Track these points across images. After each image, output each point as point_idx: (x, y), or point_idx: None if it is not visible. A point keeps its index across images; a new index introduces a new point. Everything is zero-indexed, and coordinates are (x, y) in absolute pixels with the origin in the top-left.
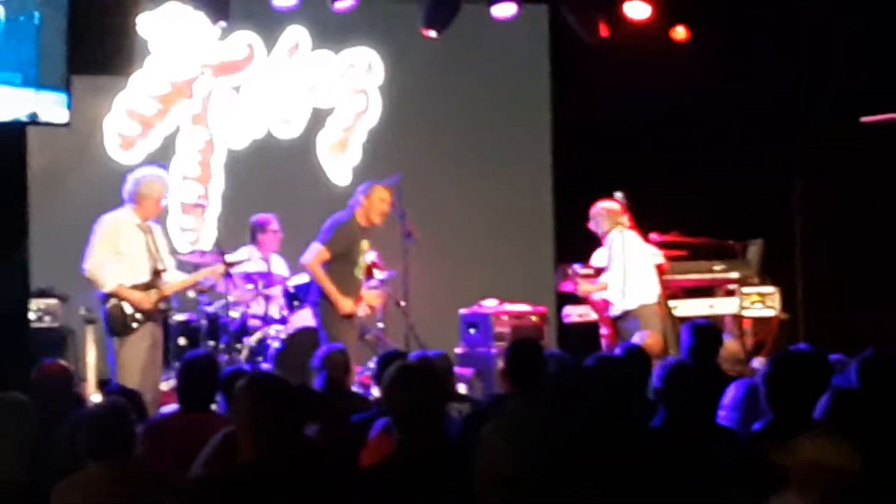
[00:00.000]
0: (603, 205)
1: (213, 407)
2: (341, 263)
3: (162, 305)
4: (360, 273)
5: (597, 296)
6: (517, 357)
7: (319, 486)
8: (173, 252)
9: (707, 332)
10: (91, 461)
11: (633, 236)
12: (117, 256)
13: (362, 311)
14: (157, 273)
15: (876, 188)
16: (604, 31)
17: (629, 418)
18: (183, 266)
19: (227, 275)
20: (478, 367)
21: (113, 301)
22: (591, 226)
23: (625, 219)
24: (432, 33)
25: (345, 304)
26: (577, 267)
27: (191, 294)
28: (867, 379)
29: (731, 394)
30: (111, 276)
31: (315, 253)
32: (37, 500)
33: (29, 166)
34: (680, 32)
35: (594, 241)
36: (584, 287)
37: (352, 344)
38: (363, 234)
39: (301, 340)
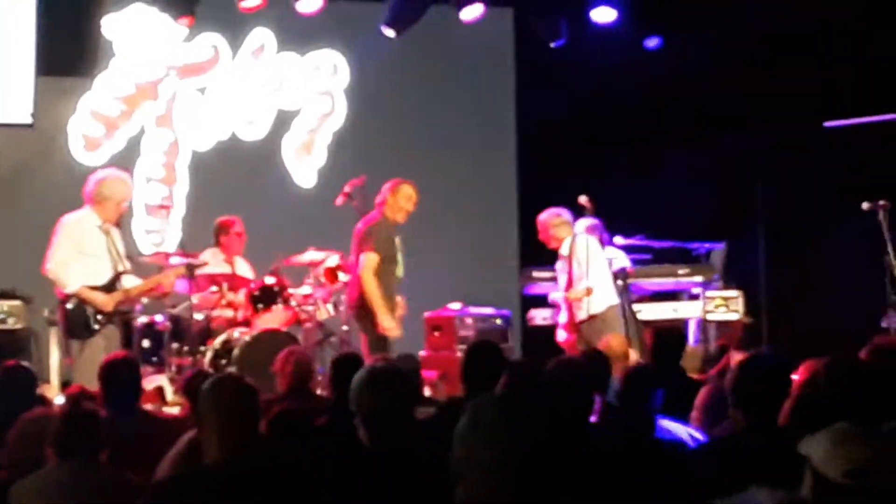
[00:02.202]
0: (551, 214)
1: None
2: (386, 265)
3: (123, 308)
4: (399, 270)
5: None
6: (474, 360)
7: (284, 486)
8: (136, 254)
9: (669, 335)
10: (56, 461)
11: (594, 239)
12: (80, 257)
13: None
14: (118, 275)
15: (838, 192)
16: (564, 36)
17: (588, 421)
18: (147, 268)
19: (190, 277)
20: (442, 370)
21: (74, 302)
22: (546, 236)
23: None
24: (390, 33)
25: (387, 321)
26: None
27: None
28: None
29: (702, 395)
30: (74, 277)
31: (368, 262)
32: None
33: None
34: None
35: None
36: (573, 293)
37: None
38: (395, 232)
39: (264, 343)
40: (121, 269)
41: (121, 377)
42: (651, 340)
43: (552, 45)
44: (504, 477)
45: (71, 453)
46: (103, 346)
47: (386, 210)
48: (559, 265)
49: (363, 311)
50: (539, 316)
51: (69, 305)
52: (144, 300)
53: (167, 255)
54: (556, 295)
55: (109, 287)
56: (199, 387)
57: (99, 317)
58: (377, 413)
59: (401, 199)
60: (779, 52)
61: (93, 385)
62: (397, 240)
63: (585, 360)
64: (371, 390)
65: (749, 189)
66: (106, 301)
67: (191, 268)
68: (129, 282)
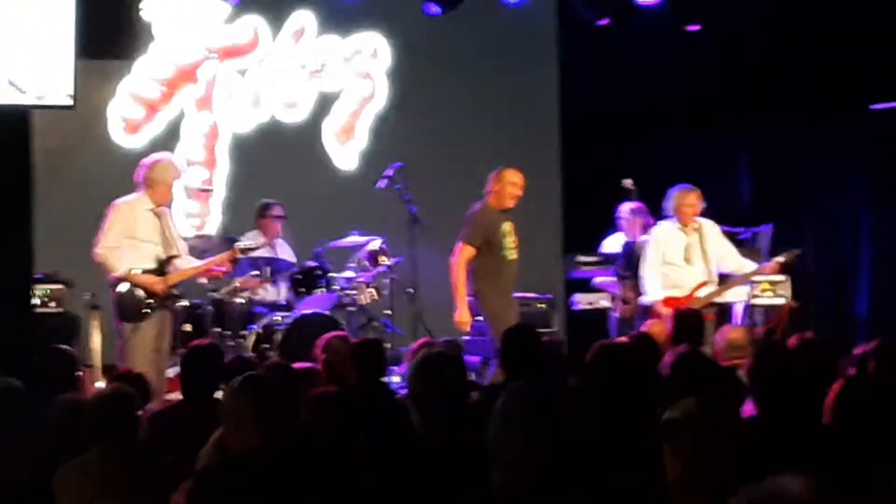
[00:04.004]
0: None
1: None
2: (487, 255)
3: (175, 291)
4: (511, 254)
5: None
6: (512, 344)
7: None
8: (197, 237)
9: (686, 317)
10: (94, 446)
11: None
12: (131, 241)
13: None
14: (170, 258)
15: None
16: (608, 16)
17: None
18: (189, 251)
19: (236, 261)
20: (485, 355)
21: (125, 286)
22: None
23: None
24: (436, 9)
25: (461, 314)
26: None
27: (203, 280)
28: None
29: None
30: (123, 261)
31: (458, 252)
32: (36, 486)
33: (33, 150)
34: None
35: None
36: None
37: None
38: (502, 218)
39: (306, 326)
40: (174, 252)
41: (202, 364)
42: (671, 325)
43: (596, 23)
44: (532, 461)
45: (107, 438)
46: (155, 330)
47: (490, 198)
48: None
49: (477, 298)
50: (584, 300)
51: (121, 289)
52: (203, 280)
53: (208, 239)
54: None
55: (159, 271)
56: (238, 374)
57: (150, 301)
58: (434, 397)
59: (506, 185)
60: (821, 36)
61: (142, 368)
62: (507, 225)
63: (635, 345)
64: (429, 375)
65: (795, 172)
66: (155, 282)
67: (243, 251)
68: (184, 264)
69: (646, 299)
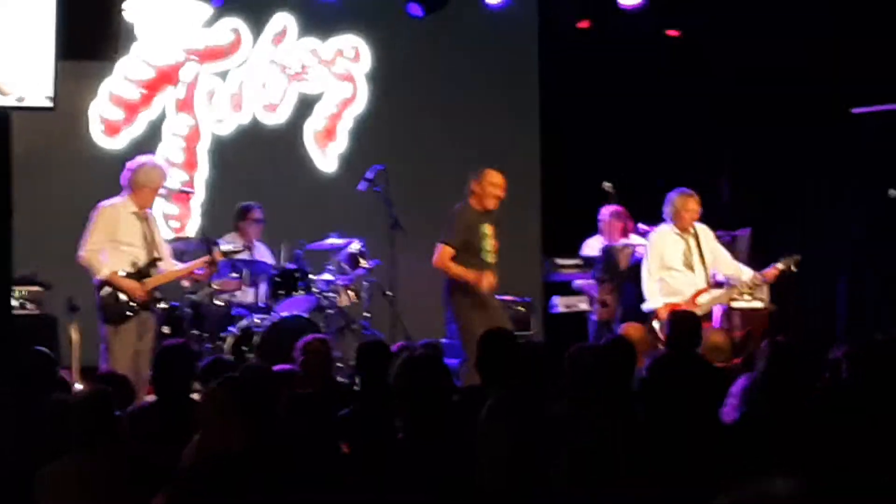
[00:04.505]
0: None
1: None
2: (466, 255)
3: (157, 294)
4: (489, 257)
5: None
6: (488, 349)
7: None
8: (183, 239)
9: (685, 320)
10: (75, 448)
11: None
12: (113, 244)
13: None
14: (153, 262)
15: (862, 181)
16: (589, 19)
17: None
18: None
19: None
20: (464, 358)
21: (107, 289)
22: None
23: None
24: (419, 10)
25: (482, 279)
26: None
27: (184, 283)
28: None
29: (739, 383)
30: (106, 264)
31: (439, 252)
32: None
33: (13, 151)
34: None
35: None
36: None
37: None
38: (483, 220)
39: (284, 328)
40: (156, 255)
41: (173, 364)
42: (667, 327)
43: (577, 26)
44: (514, 465)
45: (86, 439)
46: (136, 333)
47: (471, 199)
48: None
49: (448, 301)
50: (563, 303)
51: (103, 292)
52: (185, 283)
53: (187, 241)
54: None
55: (143, 273)
56: (216, 375)
57: (132, 304)
58: (416, 400)
59: (486, 186)
60: (802, 40)
61: (124, 370)
62: (487, 227)
63: (611, 348)
64: (411, 378)
65: (774, 177)
66: (135, 287)
67: (225, 255)
68: (167, 267)
69: (646, 306)
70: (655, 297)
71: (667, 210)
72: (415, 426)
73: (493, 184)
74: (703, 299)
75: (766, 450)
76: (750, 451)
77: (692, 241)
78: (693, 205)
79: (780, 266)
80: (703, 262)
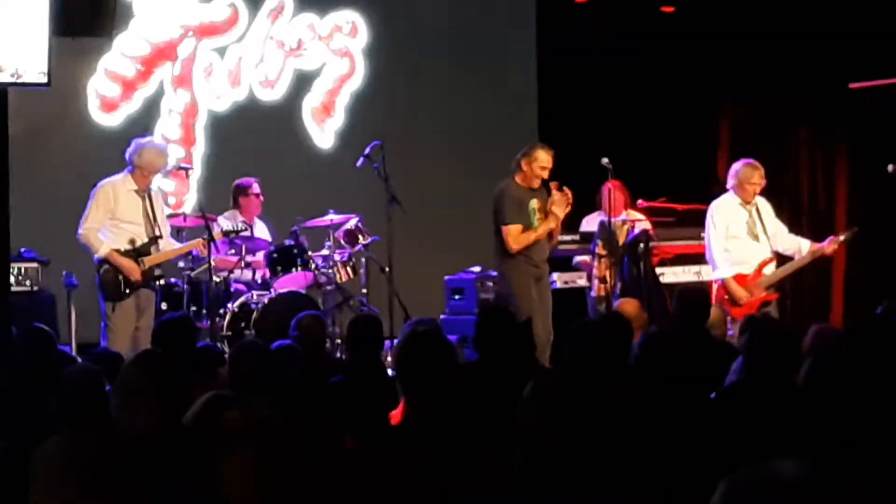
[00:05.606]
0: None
1: None
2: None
3: (157, 272)
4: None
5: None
6: (486, 324)
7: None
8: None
9: (693, 297)
10: (65, 428)
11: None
12: (112, 222)
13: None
14: (153, 239)
15: (861, 154)
16: None
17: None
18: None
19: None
20: (462, 334)
21: (106, 267)
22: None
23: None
24: None
25: (539, 229)
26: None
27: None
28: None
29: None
30: (105, 242)
31: (507, 234)
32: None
33: (9, 128)
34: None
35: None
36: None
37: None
38: (529, 196)
39: (282, 305)
40: (157, 233)
41: (173, 338)
42: (676, 303)
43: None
44: (555, 443)
45: (78, 420)
46: (136, 309)
47: (517, 175)
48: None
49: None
50: (561, 279)
51: (102, 270)
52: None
53: (185, 217)
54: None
55: (142, 251)
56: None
57: (131, 281)
58: (419, 374)
59: (535, 167)
60: (800, 14)
61: (123, 346)
62: (535, 202)
63: (607, 324)
64: (414, 353)
65: (772, 150)
66: (132, 266)
67: (227, 234)
68: (167, 245)
69: (716, 275)
70: (724, 265)
71: (731, 182)
72: (418, 401)
73: (543, 165)
74: (767, 270)
75: (751, 425)
76: (732, 427)
77: (754, 213)
78: (757, 178)
79: (840, 238)
80: (766, 234)
